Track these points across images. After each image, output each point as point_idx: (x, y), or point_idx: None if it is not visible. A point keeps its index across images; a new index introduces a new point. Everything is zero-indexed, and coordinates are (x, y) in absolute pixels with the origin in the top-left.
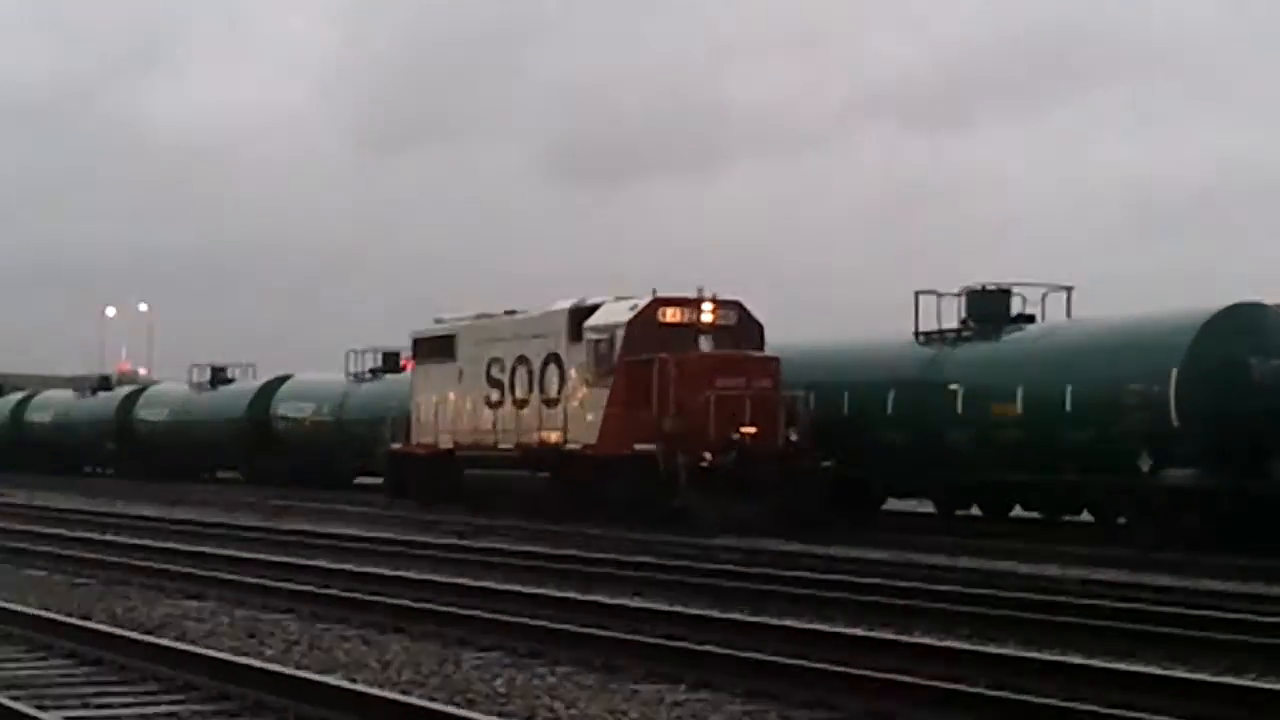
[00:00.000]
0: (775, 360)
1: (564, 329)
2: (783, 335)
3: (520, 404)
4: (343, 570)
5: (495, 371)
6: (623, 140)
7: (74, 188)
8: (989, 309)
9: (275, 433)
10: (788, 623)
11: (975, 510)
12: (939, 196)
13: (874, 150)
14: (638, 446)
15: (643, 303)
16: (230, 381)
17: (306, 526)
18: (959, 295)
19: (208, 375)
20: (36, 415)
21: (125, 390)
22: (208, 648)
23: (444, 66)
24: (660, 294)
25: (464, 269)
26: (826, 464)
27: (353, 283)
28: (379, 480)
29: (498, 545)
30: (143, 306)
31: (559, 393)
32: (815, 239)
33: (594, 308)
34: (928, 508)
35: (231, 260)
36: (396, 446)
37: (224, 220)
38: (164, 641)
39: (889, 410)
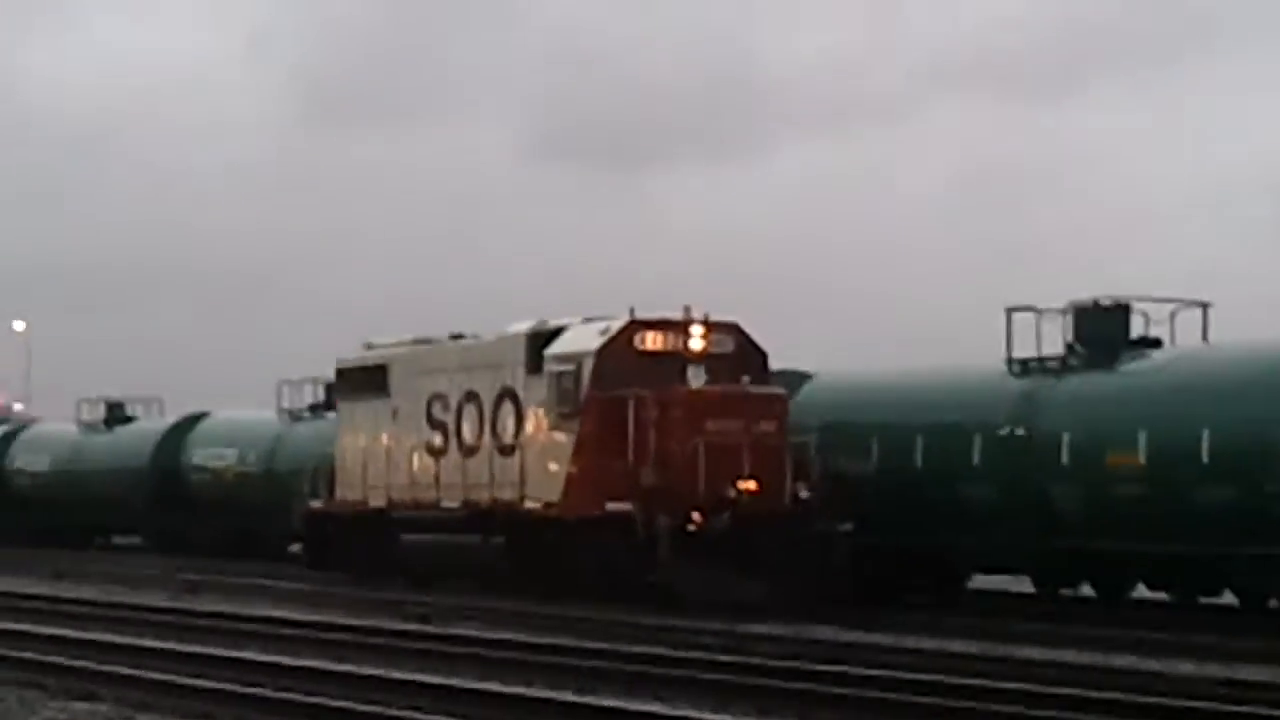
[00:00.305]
0: (781, 398)
1: (521, 358)
2: (836, 361)
3: (468, 451)
4: (275, 664)
5: (437, 411)
6: (635, 117)
7: None
8: (1103, 330)
9: (188, 486)
10: None
11: (1086, 589)
12: (1039, 186)
13: (956, 127)
14: (610, 506)
15: (616, 326)
16: (130, 420)
17: (228, 608)
18: (1064, 312)
19: (101, 412)
20: None
21: None
22: None
23: (410, 21)
24: (639, 315)
25: (429, 280)
26: (846, 528)
27: (288, 297)
28: None
29: (473, 633)
30: (18, 324)
31: (515, 438)
32: (878, 239)
33: (557, 332)
34: (1025, 585)
35: (133, 267)
36: (316, 504)
37: (123, 216)
38: None
39: (975, 460)
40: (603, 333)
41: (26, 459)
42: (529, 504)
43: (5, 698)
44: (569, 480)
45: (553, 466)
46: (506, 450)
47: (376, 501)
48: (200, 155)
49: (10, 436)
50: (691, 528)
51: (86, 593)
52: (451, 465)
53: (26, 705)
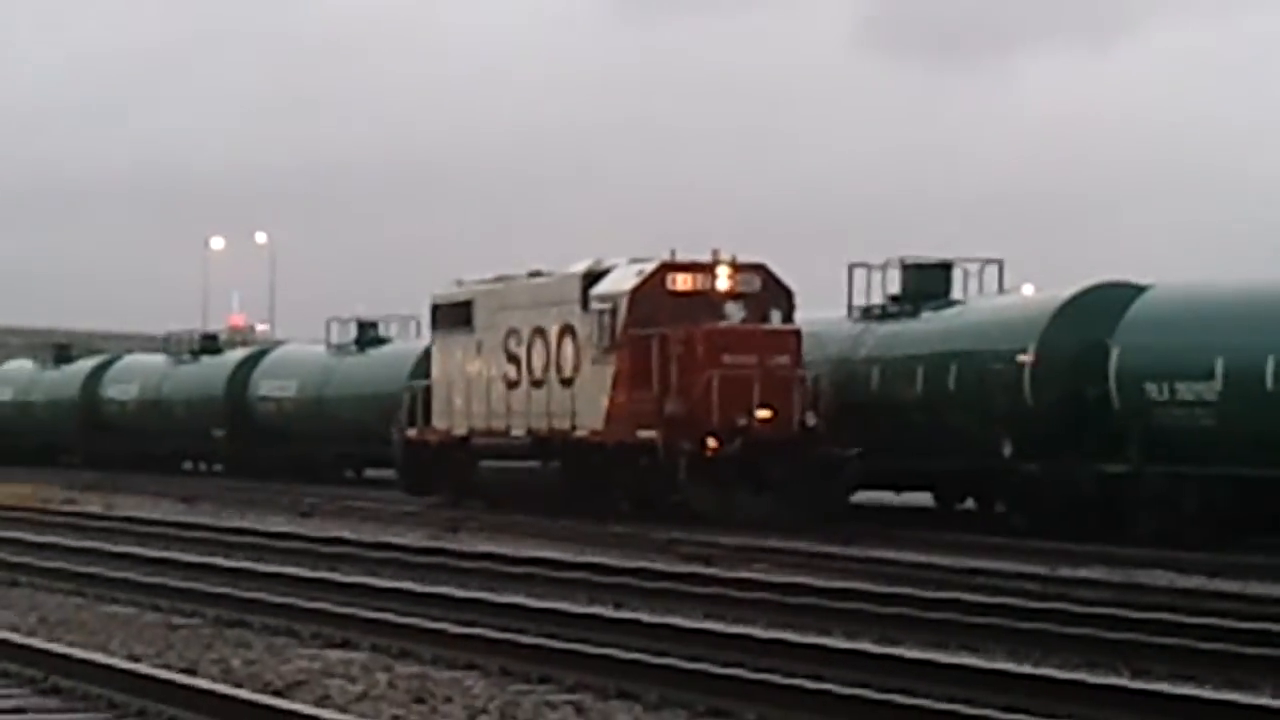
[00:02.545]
0: (795, 334)
1: (576, 296)
2: (1175, 271)
3: (537, 383)
4: (551, 611)
5: (512, 345)
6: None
7: (177, 70)
8: None
9: None
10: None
11: None
12: None
13: None
14: (641, 433)
15: (650, 268)
16: (384, 342)
17: (492, 548)
18: None
19: (352, 333)
20: (116, 390)
21: (238, 355)
22: (361, 716)
23: None
24: (675, 257)
25: (739, 181)
26: (854, 452)
27: (577, 200)
28: None
29: (760, 576)
30: (261, 236)
31: (574, 371)
32: (1254, 133)
33: (606, 272)
34: None
35: (394, 169)
36: (411, 432)
37: (389, 114)
38: (300, 707)
39: None
40: (638, 274)
41: (271, 385)
42: (579, 432)
43: (252, 643)
44: (609, 410)
45: (597, 397)
46: (566, 382)
47: (459, 430)
48: (488, 46)
49: (253, 361)
50: (707, 453)
51: (337, 531)
52: (521, 396)
53: (276, 653)
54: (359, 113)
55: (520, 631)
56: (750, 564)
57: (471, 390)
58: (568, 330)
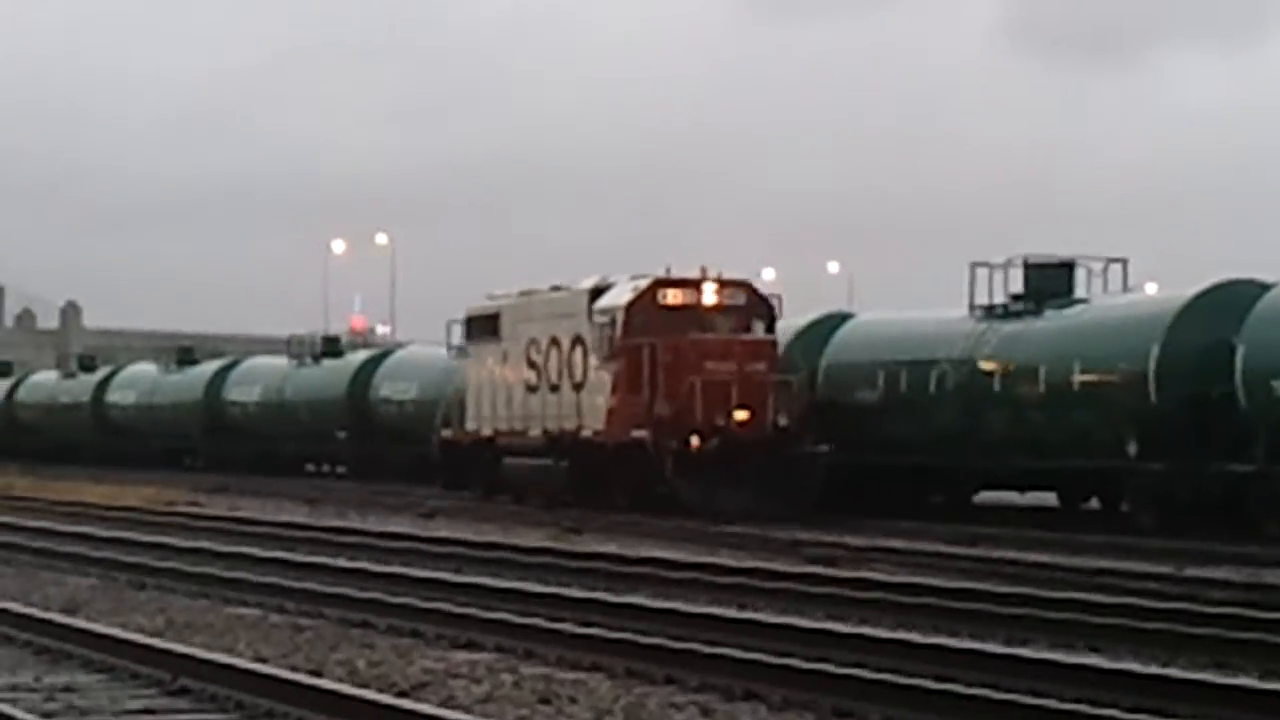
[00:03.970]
0: (770, 343)
1: (584, 309)
2: None
3: (553, 388)
4: (670, 611)
5: (532, 354)
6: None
7: (304, 78)
8: None
9: None
10: None
11: None
12: None
13: None
14: (634, 433)
15: (644, 284)
16: None
17: (611, 549)
18: None
19: None
20: (239, 393)
21: (360, 357)
22: (486, 717)
23: None
24: (669, 274)
25: (874, 182)
26: (821, 448)
27: (710, 202)
28: None
29: (879, 576)
30: (381, 238)
31: (582, 377)
32: None
33: (609, 287)
34: None
35: (516, 171)
36: (447, 433)
37: (511, 117)
38: (425, 708)
39: None
40: (633, 290)
41: (393, 387)
42: (585, 432)
43: (376, 644)
44: (608, 412)
45: (599, 401)
46: (576, 387)
47: (486, 431)
48: (627, 46)
49: (375, 363)
50: (691, 450)
51: (460, 533)
52: (538, 400)
53: (403, 654)
54: (481, 116)
55: (645, 632)
56: (872, 564)
57: (497, 395)
58: (578, 340)
